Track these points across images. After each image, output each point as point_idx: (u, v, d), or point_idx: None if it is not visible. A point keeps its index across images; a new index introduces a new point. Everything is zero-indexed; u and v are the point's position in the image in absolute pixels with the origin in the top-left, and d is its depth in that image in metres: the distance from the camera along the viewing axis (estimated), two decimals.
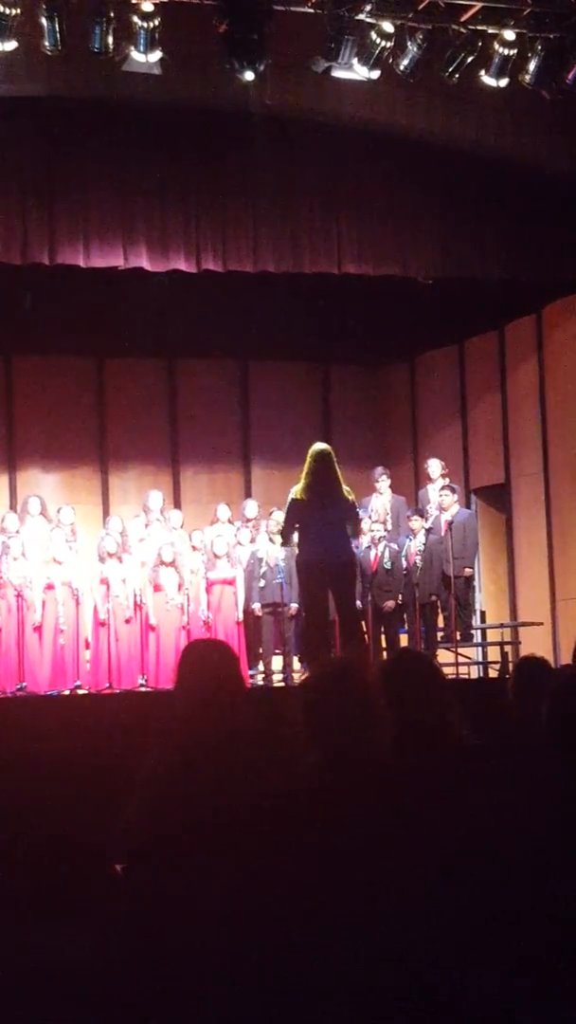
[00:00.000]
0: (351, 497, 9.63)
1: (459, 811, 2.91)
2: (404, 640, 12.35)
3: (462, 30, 10.37)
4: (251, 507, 13.26)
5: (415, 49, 10.34)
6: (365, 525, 11.72)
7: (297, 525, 9.42)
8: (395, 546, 12.30)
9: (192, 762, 3.07)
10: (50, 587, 11.89)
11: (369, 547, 12.18)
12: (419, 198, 12.32)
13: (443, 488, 12.69)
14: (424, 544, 12.20)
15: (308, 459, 9.44)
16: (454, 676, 11.83)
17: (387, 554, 12.14)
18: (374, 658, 11.22)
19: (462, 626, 12.40)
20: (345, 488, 9.50)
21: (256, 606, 12.35)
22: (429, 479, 13.14)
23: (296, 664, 12.29)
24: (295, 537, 9.66)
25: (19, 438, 14.81)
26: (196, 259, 11.77)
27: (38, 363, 14.96)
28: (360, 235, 12.22)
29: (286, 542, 9.91)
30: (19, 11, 9.71)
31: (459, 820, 2.88)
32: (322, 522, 9.27)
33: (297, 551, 9.79)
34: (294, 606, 12.14)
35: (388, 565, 12.09)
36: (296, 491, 9.39)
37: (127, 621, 12.06)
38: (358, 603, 10.99)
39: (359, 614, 10.04)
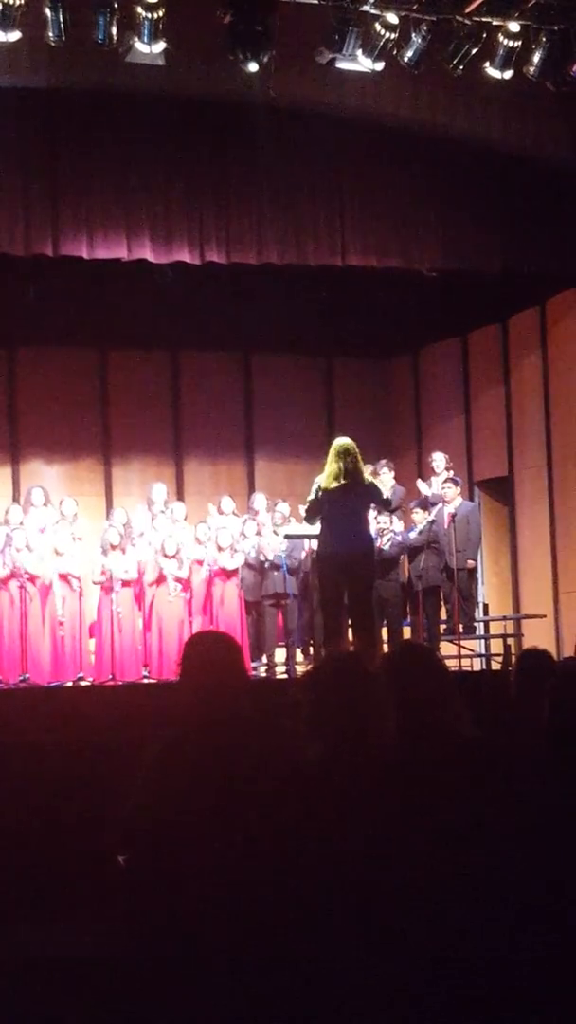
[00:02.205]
0: (376, 485, 9.80)
1: (461, 802, 2.92)
2: (407, 632, 12.36)
3: (466, 21, 10.34)
4: (259, 500, 13.21)
5: (419, 41, 10.32)
6: (369, 515, 11.77)
7: (321, 515, 9.52)
8: (399, 537, 12.31)
9: (195, 754, 3.08)
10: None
11: (375, 538, 12.20)
12: (423, 190, 12.30)
13: (446, 481, 12.70)
14: (422, 530, 12.22)
15: (333, 452, 9.46)
16: (457, 668, 11.83)
17: (389, 544, 12.16)
18: (376, 650, 11.23)
19: (465, 618, 12.40)
20: (368, 479, 9.66)
21: (259, 598, 12.37)
22: (433, 472, 13.14)
23: (299, 656, 12.30)
24: (307, 529, 9.78)
25: (22, 430, 14.81)
26: (199, 251, 11.75)
27: (41, 355, 14.95)
28: (364, 227, 12.21)
29: (311, 521, 9.97)
30: (23, 2, 9.70)
31: (461, 811, 2.89)
32: (344, 516, 9.37)
33: (319, 543, 9.87)
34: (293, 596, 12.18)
35: (386, 546, 12.10)
36: (322, 481, 9.45)
37: (130, 612, 12.07)
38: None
39: (372, 607, 10.12)
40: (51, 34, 9.82)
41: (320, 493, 9.43)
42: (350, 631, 9.75)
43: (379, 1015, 2.62)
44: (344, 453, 9.41)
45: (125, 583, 11.99)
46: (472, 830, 2.86)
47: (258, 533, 12.61)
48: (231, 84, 10.64)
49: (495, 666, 12.41)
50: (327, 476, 9.40)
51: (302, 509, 9.85)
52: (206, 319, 14.30)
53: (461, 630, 12.22)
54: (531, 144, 12.07)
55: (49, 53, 10.20)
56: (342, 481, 9.31)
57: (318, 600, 10.83)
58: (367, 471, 9.97)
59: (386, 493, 12.39)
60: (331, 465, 9.39)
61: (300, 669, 11.81)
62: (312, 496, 9.62)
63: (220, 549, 12.26)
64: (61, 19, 9.73)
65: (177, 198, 11.68)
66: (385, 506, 10.19)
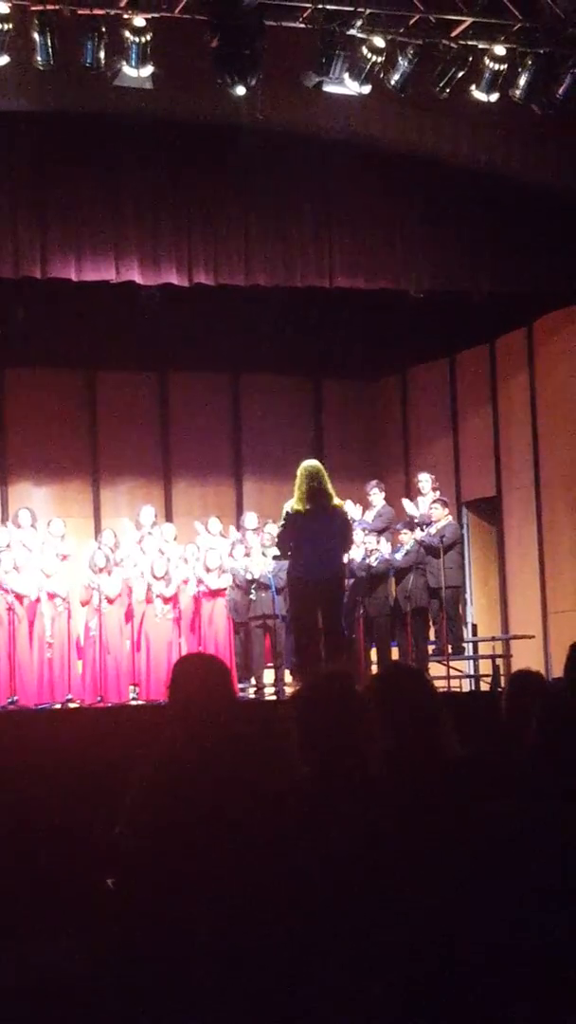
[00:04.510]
0: (345, 510, 9.70)
1: (450, 823, 2.92)
2: (395, 653, 12.35)
3: (453, 45, 10.41)
4: (250, 519, 13.22)
5: (406, 64, 10.38)
6: (358, 537, 11.77)
7: (292, 540, 9.49)
8: (386, 556, 12.33)
9: (184, 775, 3.08)
10: (38, 600, 11.89)
11: (364, 558, 12.21)
12: (410, 212, 12.35)
13: (434, 502, 12.73)
14: (409, 551, 12.24)
15: (300, 476, 9.46)
16: (446, 689, 11.83)
17: (377, 561, 12.18)
18: (365, 671, 11.23)
19: (453, 639, 12.41)
20: (337, 501, 9.57)
21: (247, 619, 12.36)
22: (420, 493, 13.17)
23: (288, 677, 12.29)
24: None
25: (11, 451, 14.81)
26: (188, 273, 11.79)
27: (30, 376, 14.96)
28: (351, 249, 12.26)
29: (283, 555, 9.98)
30: (11, 26, 9.74)
31: (451, 832, 2.89)
32: (314, 538, 9.35)
33: (289, 566, 9.85)
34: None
35: (374, 562, 12.10)
36: (290, 506, 9.44)
37: (119, 634, 12.05)
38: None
39: (342, 628, 10.11)
40: (39, 58, 9.86)
41: (289, 518, 9.41)
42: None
43: None
44: (309, 476, 9.40)
45: (110, 600, 11.98)
46: (462, 850, 2.86)
47: (247, 555, 12.61)
48: (219, 107, 10.68)
49: (484, 687, 12.41)
50: (295, 500, 9.40)
51: (271, 529, 9.81)
52: (194, 340, 14.34)
53: (450, 651, 12.22)
54: (518, 166, 12.12)
55: (38, 77, 10.24)
56: (308, 506, 9.30)
57: (292, 623, 10.79)
58: (359, 491, 9.96)
59: (374, 514, 12.42)
60: (298, 489, 9.40)
61: (289, 690, 11.79)
62: (279, 528, 9.62)
63: (208, 570, 12.27)
64: (49, 43, 9.76)
65: (165, 220, 11.72)
66: (348, 532, 9.99)
